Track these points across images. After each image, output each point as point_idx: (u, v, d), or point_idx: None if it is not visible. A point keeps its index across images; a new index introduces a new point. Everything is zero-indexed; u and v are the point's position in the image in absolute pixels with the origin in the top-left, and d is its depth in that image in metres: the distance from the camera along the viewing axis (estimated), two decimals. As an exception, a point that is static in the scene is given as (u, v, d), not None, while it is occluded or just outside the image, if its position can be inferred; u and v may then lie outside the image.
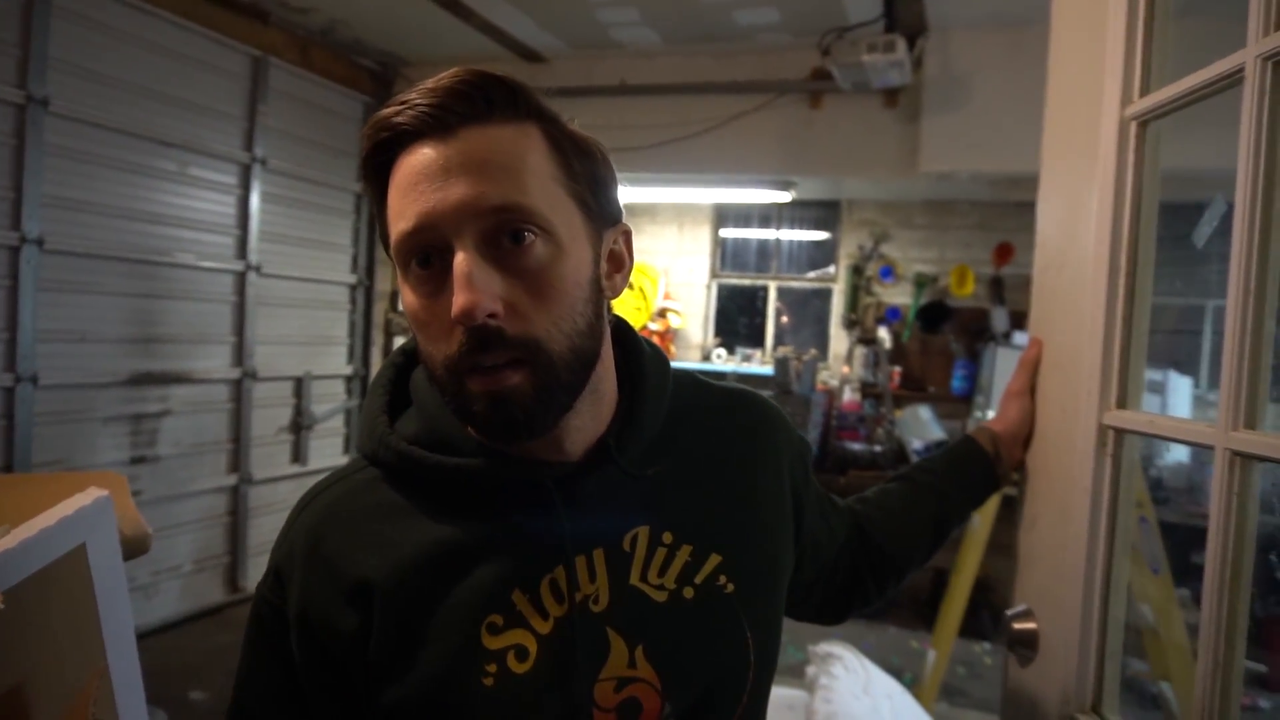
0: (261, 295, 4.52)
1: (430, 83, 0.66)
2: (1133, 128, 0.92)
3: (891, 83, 3.89)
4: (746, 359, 6.14)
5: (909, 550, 1.05)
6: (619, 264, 0.76)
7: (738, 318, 6.48)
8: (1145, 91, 0.91)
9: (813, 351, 5.74)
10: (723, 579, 0.76)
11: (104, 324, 3.80)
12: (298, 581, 0.71)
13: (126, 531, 1.09)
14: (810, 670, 2.31)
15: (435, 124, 0.65)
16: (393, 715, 0.69)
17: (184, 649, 3.94)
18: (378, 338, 5.32)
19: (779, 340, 6.28)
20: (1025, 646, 1.04)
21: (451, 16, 4.16)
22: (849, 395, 5.62)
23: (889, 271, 5.77)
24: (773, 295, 6.33)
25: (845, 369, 5.78)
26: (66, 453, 3.67)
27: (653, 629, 0.72)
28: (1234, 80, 0.75)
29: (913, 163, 4.26)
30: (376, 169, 0.69)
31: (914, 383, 5.68)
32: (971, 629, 4.50)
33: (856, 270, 5.85)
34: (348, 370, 5.16)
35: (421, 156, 0.66)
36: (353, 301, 5.23)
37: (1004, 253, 5.38)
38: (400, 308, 5.20)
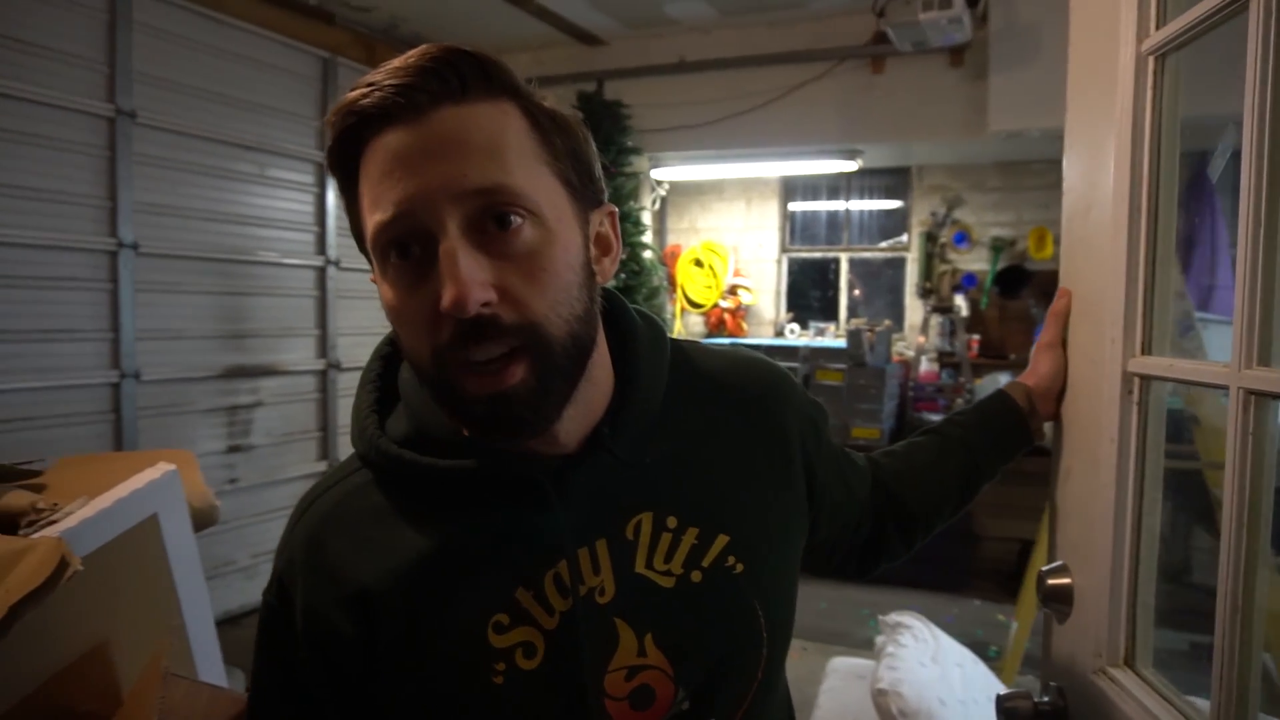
0: (341, 288, 4.70)
1: (398, 62, 0.62)
2: (1150, 62, 0.89)
3: (953, 40, 3.78)
4: (820, 333, 6.07)
5: (936, 505, 1.03)
6: (607, 247, 0.72)
7: (809, 291, 6.41)
8: (1161, 23, 0.88)
9: (886, 323, 5.63)
10: (731, 559, 0.74)
11: (197, 321, 4.03)
12: (300, 588, 0.70)
13: (195, 504, 1.18)
14: (879, 640, 2.30)
15: (405, 106, 0.60)
16: (403, 718, 0.69)
17: (282, 626, 4.16)
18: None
19: (852, 312, 6.18)
20: (1060, 602, 1.02)
21: (506, 4, 4.23)
22: (925, 366, 5.50)
23: (963, 237, 5.61)
24: (844, 267, 6.23)
25: (921, 339, 5.66)
26: (169, 443, 3.91)
27: (661, 616, 0.71)
28: (1241, 4, 0.73)
29: (981, 123, 4.13)
30: (344, 158, 0.65)
31: (993, 350, 5.52)
32: (1061, 601, 4.38)
33: (930, 238, 5.71)
34: (426, 358, 5.31)
35: (393, 141, 0.61)
36: (428, 291, 5.38)
37: (1085, 211, 5.17)
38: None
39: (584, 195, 0.69)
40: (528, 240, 0.62)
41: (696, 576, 0.73)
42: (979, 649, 2.50)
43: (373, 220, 0.63)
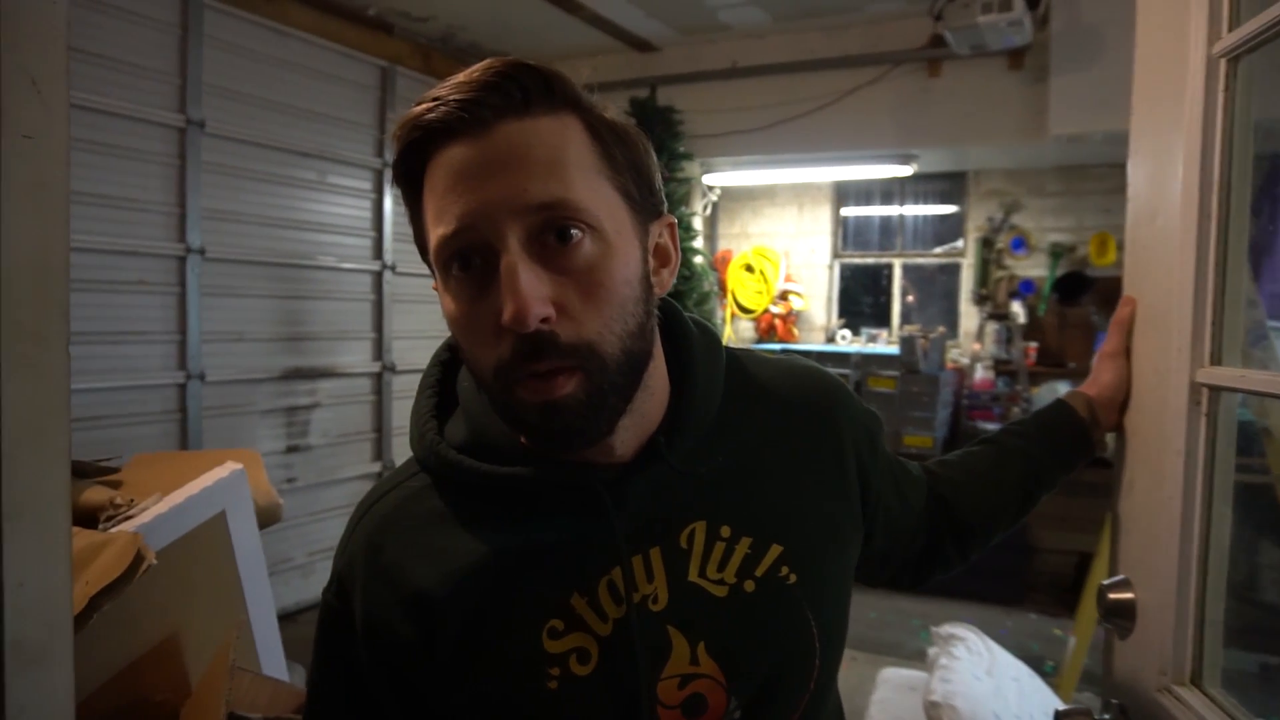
0: (397, 292, 4.79)
1: (462, 76, 0.63)
2: (1222, 65, 0.87)
3: (1013, 43, 3.71)
4: (872, 339, 6.00)
5: (992, 516, 1.01)
6: (665, 258, 0.73)
7: (861, 297, 6.34)
8: (1235, 25, 0.86)
9: (940, 329, 5.55)
10: (785, 569, 0.74)
11: (258, 324, 4.14)
12: (359, 589, 0.71)
13: (260, 502, 1.22)
14: (932, 651, 2.26)
15: (469, 121, 0.61)
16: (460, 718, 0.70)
17: (338, 623, 4.25)
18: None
19: (905, 319, 6.10)
20: (1122, 618, 1.00)
21: (561, 12, 4.27)
22: (981, 373, 5.40)
23: (1021, 243, 5.49)
24: (898, 273, 6.15)
25: (976, 346, 5.56)
26: (231, 443, 4.03)
27: (714, 624, 0.71)
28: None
29: (1041, 126, 4.05)
30: (408, 171, 0.66)
31: (1052, 358, 5.39)
32: (1121, 617, 4.26)
33: (986, 243, 5.60)
34: (478, 362, 5.38)
35: (457, 155, 0.62)
36: (481, 296, 5.46)
37: (1149, 216, 5.02)
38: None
39: (643, 207, 0.69)
40: (587, 255, 0.63)
41: (750, 586, 0.73)
42: (1034, 664, 2.45)
43: (436, 233, 0.64)
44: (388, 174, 4.68)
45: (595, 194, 0.64)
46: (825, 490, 0.80)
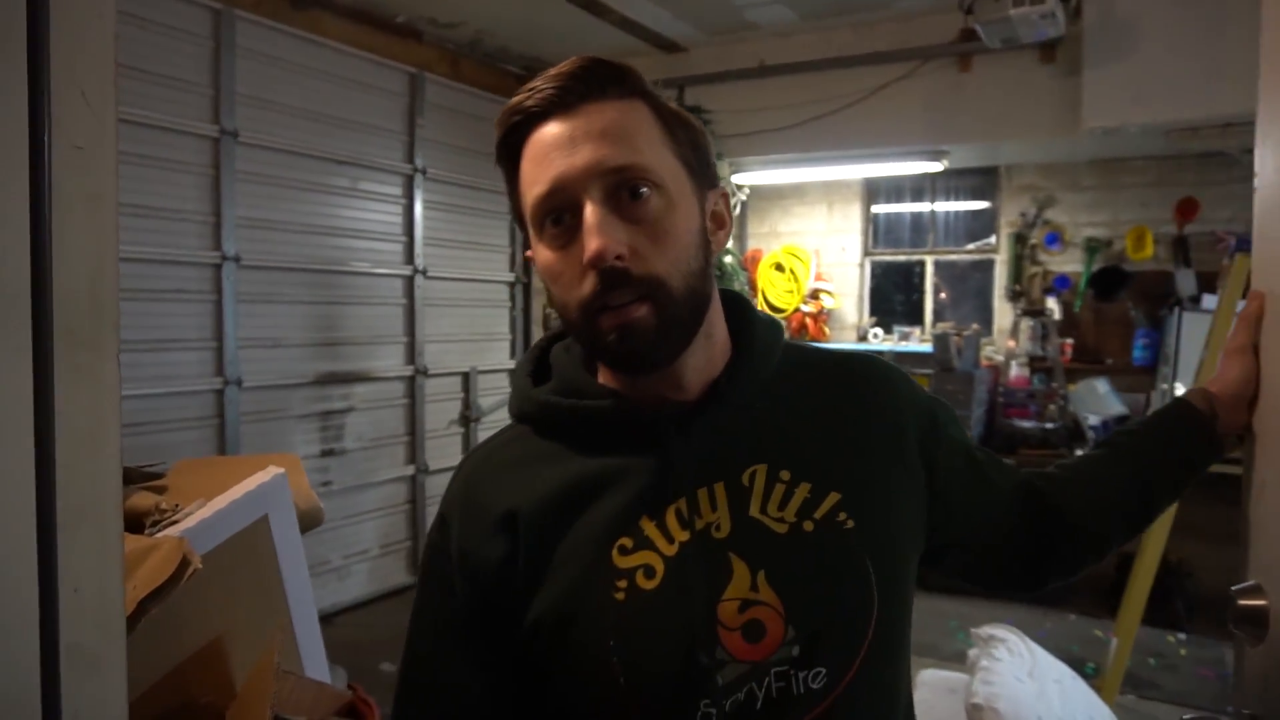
0: (428, 297, 4.84)
1: (553, 70, 0.77)
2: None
3: (1045, 35, 3.66)
4: (904, 337, 5.94)
5: (1104, 516, 0.98)
6: (720, 222, 0.85)
7: (893, 295, 6.28)
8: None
9: (974, 326, 5.49)
10: (842, 515, 0.79)
11: (293, 330, 4.20)
12: (456, 523, 0.82)
13: (301, 506, 1.23)
14: (972, 653, 2.23)
15: (560, 104, 0.76)
16: (537, 627, 0.78)
17: (373, 625, 4.30)
18: (537, 332, 5.55)
19: (938, 316, 6.03)
20: (1254, 625, 0.95)
21: (589, 16, 4.28)
22: (1016, 370, 5.33)
23: (1055, 238, 5.41)
24: (930, 270, 6.09)
25: (1011, 343, 5.48)
26: (268, 447, 4.08)
27: (774, 557, 0.77)
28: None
29: (1075, 120, 3.98)
30: (510, 150, 0.80)
31: (1088, 355, 5.31)
32: (1164, 618, 4.18)
33: (1019, 239, 5.53)
34: (510, 364, 5.41)
35: (550, 131, 0.76)
36: (512, 299, 5.49)
37: (1187, 209, 4.93)
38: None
39: (701, 177, 0.82)
40: (654, 208, 0.76)
41: (808, 526, 0.79)
42: (1075, 665, 2.40)
43: (532, 194, 0.77)
44: (418, 179, 4.72)
45: (660, 160, 0.78)
46: (883, 454, 0.85)
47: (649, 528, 0.77)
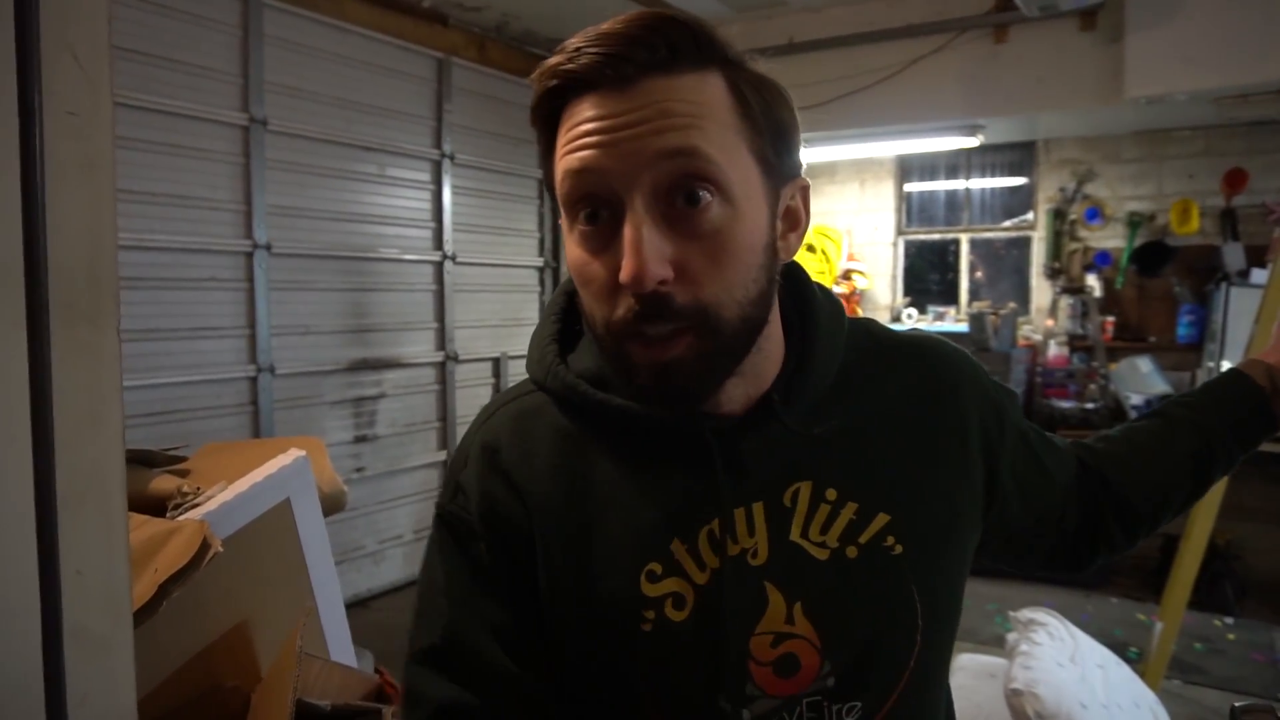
0: (458, 282, 4.84)
1: (606, 26, 0.63)
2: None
3: (1085, 2, 3.54)
4: (939, 317, 5.84)
5: (1159, 491, 0.93)
6: (794, 222, 0.72)
7: (928, 275, 6.17)
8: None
9: (1011, 305, 5.38)
10: (890, 539, 0.72)
11: (324, 317, 4.22)
12: (476, 488, 0.73)
13: (324, 489, 1.22)
14: (1011, 637, 2.18)
15: (613, 77, 0.62)
16: (558, 637, 0.71)
17: (408, 609, 4.31)
18: (566, 317, 5.54)
19: (974, 295, 5.91)
20: None
21: (614, -5, 4.23)
22: (1054, 350, 5.21)
23: (1095, 213, 5.27)
24: (965, 248, 5.97)
25: (1049, 322, 5.36)
26: (301, 434, 4.11)
27: (812, 586, 0.70)
28: None
29: (1117, 89, 3.86)
30: (546, 116, 0.67)
31: (1131, 332, 5.17)
32: (1212, 602, 4.08)
33: (1058, 215, 5.39)
34: (540, 350, 5.40)
35: (595, 108, 0.63)
36: (541, 283, 5.48)
37: (1235, 180, 4.75)
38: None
39: (777, 171, 0.68)
40: (714, 219, 0.63)
41: (852, 552, 0.71)
42: (1118, 650, 2.34)
43: (565, 180, 0.65)
44: (446, 165, 4.71)
45: (729, 153, 0.63)
46: (944, 468, 0.77)
47: (679, 551, 0.69)
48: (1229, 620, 3.97)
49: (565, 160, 0.64)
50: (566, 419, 0.74)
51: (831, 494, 0.72)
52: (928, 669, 0.74)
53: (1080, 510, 0.91)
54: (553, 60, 0.64)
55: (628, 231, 0.61)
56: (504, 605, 0.72)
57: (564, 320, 0.78)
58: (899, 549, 0.72)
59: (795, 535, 0.71)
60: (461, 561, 0.74)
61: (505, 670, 0.72)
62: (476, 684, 0.72)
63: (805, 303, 0.76)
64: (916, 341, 0.83)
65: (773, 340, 0.72)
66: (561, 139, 0.65)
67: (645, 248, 0.61)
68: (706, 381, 0.66)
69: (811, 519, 0.71)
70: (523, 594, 0.72)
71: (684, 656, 0.68)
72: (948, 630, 0.76)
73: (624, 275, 0.61)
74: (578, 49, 0.63)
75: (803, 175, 0.72)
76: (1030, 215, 5.64)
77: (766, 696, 0.69)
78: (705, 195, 0.62)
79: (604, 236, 0.64)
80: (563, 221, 0.69)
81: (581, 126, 0.63)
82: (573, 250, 0.67)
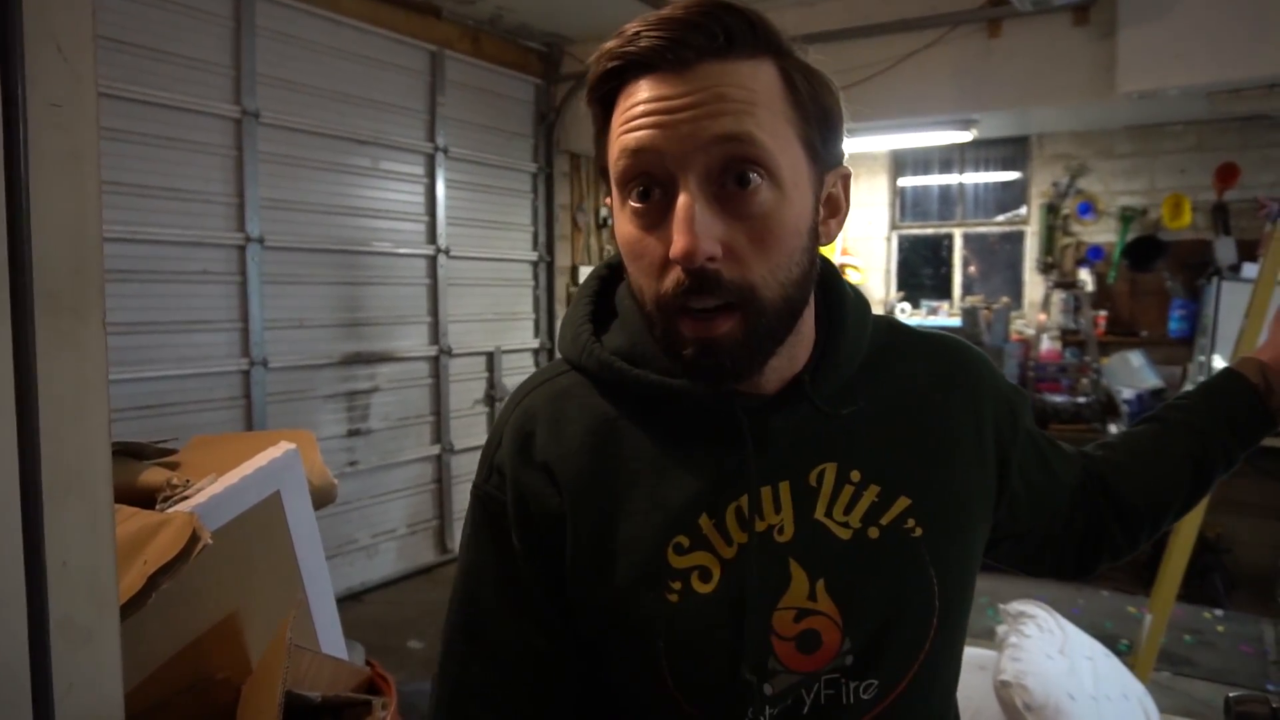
0: (451, 276, 4.83)
1: (667, 12, 0.65)
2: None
3: (1078, -3, 3.54)
4: (933, 312, 5.85)
5: (1159, 495, 0.95)
6: (835, 209, 0.74)
7: (921, 269, 6.19)
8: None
9: (1004, 300, 5.39)
10: (910, 522, 0.74)
11: (318, 311, 4.22)
12: (510, 475, 0.75)
13: (314, 481, 1.23)
14: (1001, 629, 2.20)
15: (670, 57, 0.64)
16: (587, 612, 0.74)
17: (402, 604, 4.34)
18: (561, 312, 5.54)
19: (967, 290, 5.93)
20: None
21: (608, -12, 4.22)
22: (1047, 344, 5.23)
23: (1088, 208, 5.28)
24: (958, 243, 5.98)
25: (1042, 316, 5.37)
26: (294, 427, 4.11)
27: (835, 564, 0.72)
28: None
29: (1109, 84, 3.86)
30: (603, 96, 0.69)
31: (1123, 327, 5.19)
32: (1202, 594, 4.11)
33: (1051, 209, 5.40)
34: (534, 344, 5.41)
35: (653, 89, 0.65)
36: (535, 278, 5.47)
37: (1227, 175, 4.77)
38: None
39: (822, 158, 0.71)
40: (762, 202, 0.65)
41: (874, 533, 0.73)
42: (1108, 642, 2.35)
43: (619, 158, 0.67)
44: (439, 158, 4.70)
45: (779, 140, 0.66)
46: (960, 457, 0.79)
47: (707, 526, 0.71)
48: (1218, 613, 3.99)
49: (622, 139, 0.66)
50: (600, 396, 0.76)
51: (855, 475, 0.74)
52: (942, 651, 0.76)
53: (1089, 520, 0.92)
54: (611, 43, 0.66)
55: (680, 209, 0.64)
56: (532, 585, 0.75)
57: (597, 303, 0.81)
58: (919, 531, 0.74)
59: (820, 514, 0.73)
60: (494, 540, 0.76)
61: (526, 648, 0.75)
62: (499, 660, 0.75)
63: (834, 290, 0.78)
64: (937, 338, 0.86)
65: (807, 324, 0.75)
66: (618, 119, 0.67)
67: (697, 225, 0.63)
68: (750, 359, 0.68)
69: (836, 499, 0.73)
70: (552, 576, 0.74)
71: (709, 627, 0.70)
72: (961, 614, 0.78)
73: (675, 250, 0.63)
74: (637, 32, 0.65)
75: (844, 164, 0.74)
76: (1023, 210, 5.65)
77: (787, 671, 0.71)
78: (755, 178, 0.64)
79: (656, 214, 0.66)
80: (611, 199, 0.71)
81: (639, 107, 0.65)
82: (624, 227, 0.69)
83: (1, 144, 0.52)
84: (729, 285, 0.65)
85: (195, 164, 3.63)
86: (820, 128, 0.70)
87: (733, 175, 0.64)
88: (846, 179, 0.75)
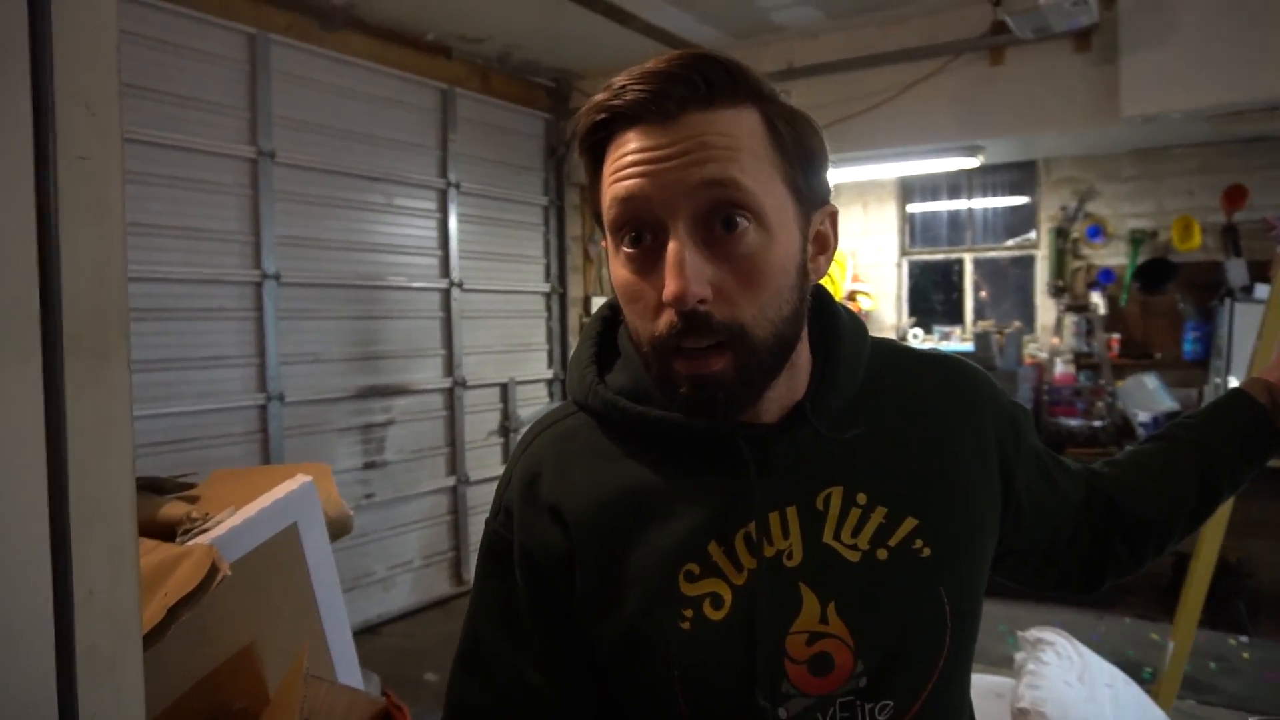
0: (465, 309, 4.88)
1: (650, 65, 0.68)
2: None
3: (1079, 24, 3.59)
4: (945, 337, 5.84)
5: (1166, 512, 0.95)
6: (824, 245, 0.76)
7: (932, 295, 6.19)
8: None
9: (1016, 324, 5.39)
10: (919, 543, 0.75)
11: (333, 345, 4.27)
12: (518, 516, 0.78)
13: (330, 513, 1.25)
14: (1019, 657, 2.18)
15: (655, 111, 0.67)
16: (601, 644, 0.75)
17: (417, 635, 4.34)
18: (573, 342, 5.57)
19: (978, 314, 5.92)
20: None
21: (613, 24, 4.30)
22: (1061, 368, 5.21)
23: (1097, 231, 5.29)
24: (969, 268, 5.98)
25: (1055, 340, 5.36)
26: (311, 461, 4.14)
27: (845, 587, 0.73)
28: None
29: (1113, 109, 3.89)
30: (592, 146, 0.72)
31: (1136, 349, 5.17)
32: (1225, 620, 4.04)
33: (1060, 233, 5.41)
34: (548, 374, 5.45)
35: (639, 140, 0.68)
36: (548, 309, 5.52)
37: (1235, 196, 4.77)
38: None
39: (808, 198, 0.73)
40: (749, 244, 0.68)
41: (882, 554, 0.74)
42: (1131, 670, 2.33)
43: (611, 205, 0.70)
44: (452, 193, 4.77)
45: (763, 183, 0.68)
46: (965, 474, 0.80)
47: (717, 553, 0.73)
48: (1244, 639, 3.93)
49: (613, 188, 0.69)
50: (605, 435, 0.78)
51: (862, 498, 0.75)
52: (955, 668, 0.77)
53: (1095, 536, 0.93)
54: (599, 96, 0.69)
55: (671, 254, 0.66)
56: (532, 621, 0.77)
57: (600, 344, 0.83)
58: (927, 551, 0.75)
59: (828, 538, 0.74)
60: (498, 575, 0.79)
61: (517, 682, 0.77)
62: (493, 692, 0.78)
63: (830, 318, 0.81)
64: (937, 357, 0.88)
65: (803, 354, 0.77)
66: (608, 168, 0.70)
67: (687, 269, 0.65)
68: (744, 394, 0.70)
69: (843, 522, 0.75)
70: (557, 613, 0.76)
71: (722, 654, 0.71)
72: (972, 631, 0.79)
73: (667, 294, 0.66)
74: (623, 86, 0.68)
75: (831, 202, 0.77)
76: (1033, 234, 5.66)
77: (801, 695, 0.71)
78: (742, 222, 0.67)
79: (648, 258, 0.69)
80: (607, 243, 0.74)
81: (627, 157, 0.68)
82: (618, 271, 0.72)
83: (35, 196, 0.55)
84: (720, 325, 0.67)
85: (212, 204, 3.71)
86: (804, 168, 0.72)
87: (720, 219, 0.67)
88: (834, 216, 0.77)
